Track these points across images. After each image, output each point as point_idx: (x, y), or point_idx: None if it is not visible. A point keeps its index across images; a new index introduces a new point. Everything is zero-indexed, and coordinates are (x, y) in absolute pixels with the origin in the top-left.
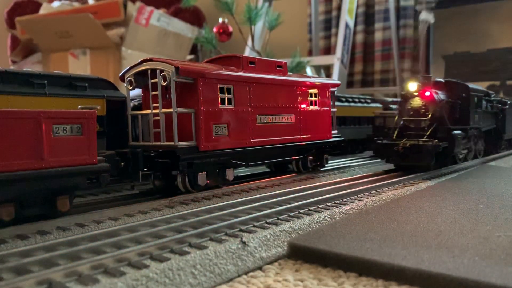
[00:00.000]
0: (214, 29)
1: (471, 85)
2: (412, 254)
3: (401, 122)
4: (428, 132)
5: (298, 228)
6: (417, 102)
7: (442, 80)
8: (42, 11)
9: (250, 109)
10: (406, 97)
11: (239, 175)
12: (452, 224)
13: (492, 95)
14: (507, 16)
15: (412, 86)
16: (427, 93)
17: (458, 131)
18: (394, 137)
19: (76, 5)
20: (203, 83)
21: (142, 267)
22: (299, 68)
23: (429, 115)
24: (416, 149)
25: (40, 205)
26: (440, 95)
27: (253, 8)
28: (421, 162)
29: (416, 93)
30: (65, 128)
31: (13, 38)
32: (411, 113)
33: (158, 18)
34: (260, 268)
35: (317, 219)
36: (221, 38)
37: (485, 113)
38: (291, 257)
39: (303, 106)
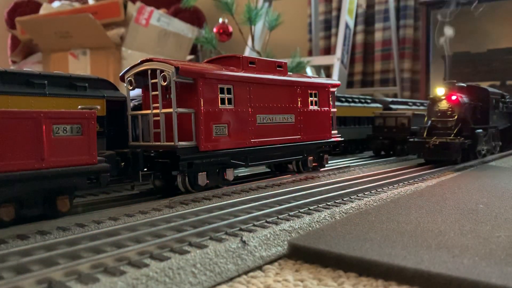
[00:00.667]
0: (214, 29)
1: (490, 88)
2: (412, 254)
3: (429, 122)
4: (455, 131)
5: (298, 227)
6: (444, 105)
7: (464, 85)
8: (42, 11)
9: (250, 109)
10: (434, 100)
11: (239, 175)
12: (452, 224)
13: (507, 97)
14: (507, 16)
15: (440, 90)
16: (454, 97)
17: (480, 130)
18: (424, 135)
19: (76, 5)
20: (203, 83)
21: (142, 266)
22: (299, 68)
23: (455, 116)
24: (445, 146)
25: (40, 205)
26: (464, 99)
27: (253, 8)
28: (449, 157)
29: (443, 97)
30: (65, 128)
31: (13, 38)
32: (439, 114)
33: (158, 18)
34: (260, 268)
35: (317, 218)
36: (221, 38)
37: (501, 113)
38: (291, 257)
39: (303, 106)
